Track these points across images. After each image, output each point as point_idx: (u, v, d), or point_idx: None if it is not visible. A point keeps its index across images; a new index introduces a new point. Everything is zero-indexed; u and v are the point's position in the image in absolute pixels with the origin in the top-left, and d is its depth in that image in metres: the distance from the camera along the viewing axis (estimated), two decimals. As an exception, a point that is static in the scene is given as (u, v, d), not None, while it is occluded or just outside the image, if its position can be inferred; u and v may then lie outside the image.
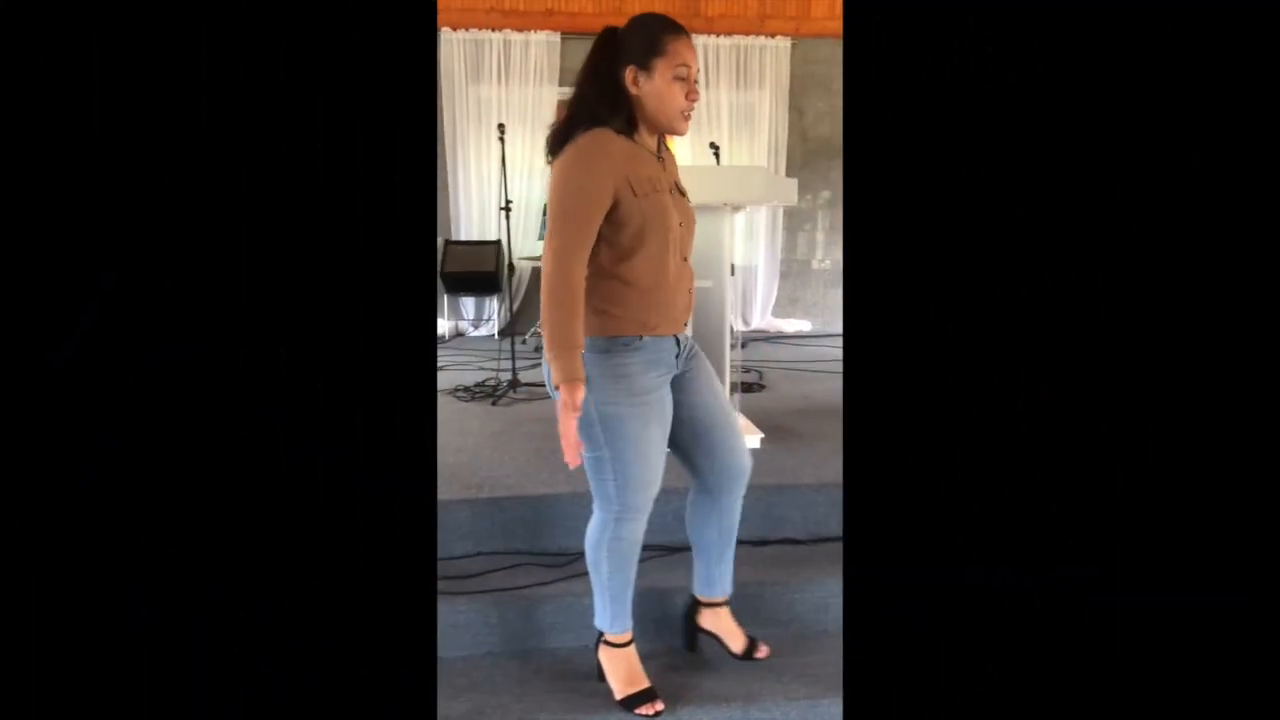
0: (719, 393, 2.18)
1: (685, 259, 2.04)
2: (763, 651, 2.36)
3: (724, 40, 7.00)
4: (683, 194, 2.07)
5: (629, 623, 2.18)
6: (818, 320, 7.83)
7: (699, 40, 6.78)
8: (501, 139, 4.71)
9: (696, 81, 1.92)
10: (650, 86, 1.88)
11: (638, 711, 2.12)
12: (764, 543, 2.83)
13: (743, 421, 3.33)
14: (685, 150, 6.54)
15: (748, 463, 2.23)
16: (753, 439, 3.27)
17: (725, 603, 2.37)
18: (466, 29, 6.91)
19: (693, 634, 2.41)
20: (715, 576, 2.33)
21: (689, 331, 2.15)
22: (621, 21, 1.94)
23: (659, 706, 2.13)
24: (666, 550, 2.74)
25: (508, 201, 4.70)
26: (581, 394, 1.85)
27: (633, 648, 2.19)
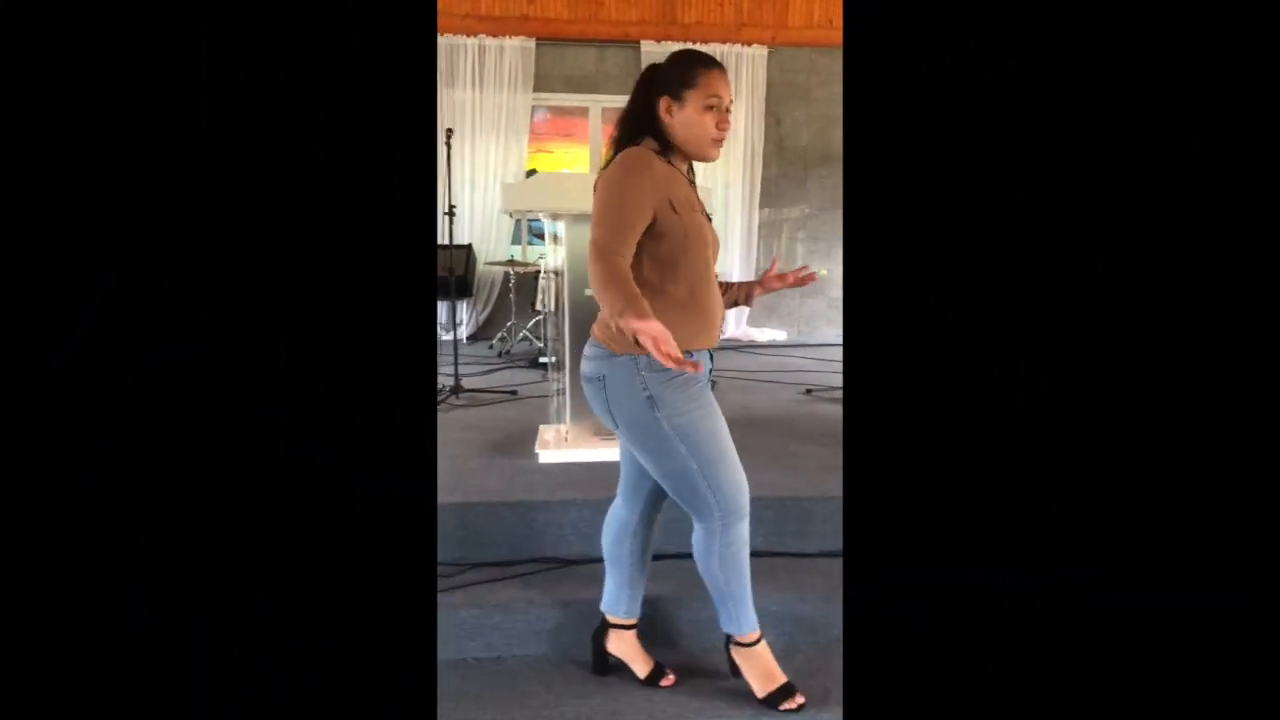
0: None
1: (715, 276, 2.12)
2: (668, 680, 2.33)
3: (700, 48, 7.01)
4: (708, 218, 2.14)
5: (754, 621, 2.18)
6: (793, 330, 7.87)
7: (673, 47, 6.79)
8: (449, 144, 4.86)
9: (729, 112, 2.02)
10: (682, 115, 1.99)
11: (781, 708, 2.15)
12: (658, 557, 2.55)
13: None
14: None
15: None
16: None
17: (633, 625, 2.35)
18: (441, 34, 6.91)
19: (601, 657, 2.38)
20: (625, 596, 2.32)
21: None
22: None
23: (800, 700, 2.16)
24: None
25: (451, 207, 4.92)
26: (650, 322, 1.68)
27: (764, 644, 2.21)
